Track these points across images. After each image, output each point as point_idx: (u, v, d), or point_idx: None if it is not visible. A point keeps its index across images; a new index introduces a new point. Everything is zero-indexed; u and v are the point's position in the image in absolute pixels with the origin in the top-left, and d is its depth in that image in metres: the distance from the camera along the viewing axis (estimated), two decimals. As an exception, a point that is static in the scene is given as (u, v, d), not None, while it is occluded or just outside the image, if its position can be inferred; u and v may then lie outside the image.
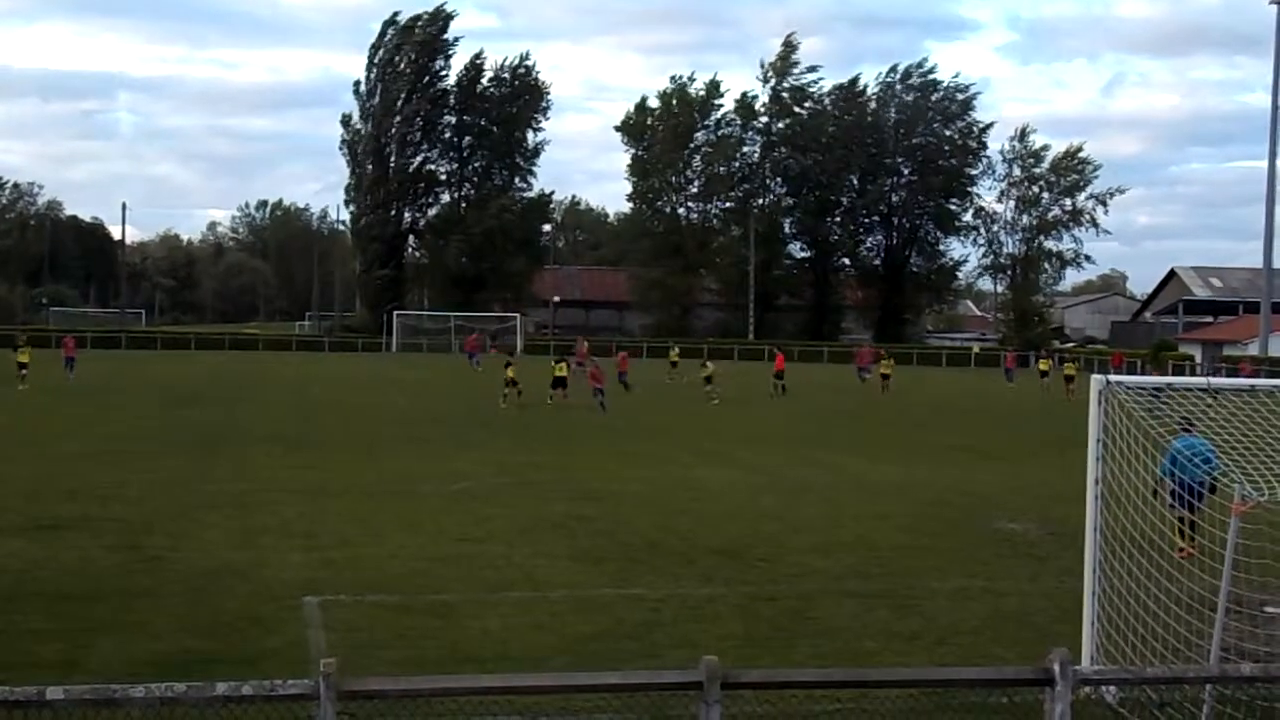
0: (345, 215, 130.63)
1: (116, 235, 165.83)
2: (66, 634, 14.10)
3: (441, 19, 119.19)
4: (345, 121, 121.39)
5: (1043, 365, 75.24)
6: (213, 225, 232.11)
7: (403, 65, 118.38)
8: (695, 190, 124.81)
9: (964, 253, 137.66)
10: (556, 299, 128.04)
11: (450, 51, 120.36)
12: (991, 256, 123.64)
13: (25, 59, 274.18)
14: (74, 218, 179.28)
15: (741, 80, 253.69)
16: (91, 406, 45.46)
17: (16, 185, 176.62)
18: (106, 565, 17.92)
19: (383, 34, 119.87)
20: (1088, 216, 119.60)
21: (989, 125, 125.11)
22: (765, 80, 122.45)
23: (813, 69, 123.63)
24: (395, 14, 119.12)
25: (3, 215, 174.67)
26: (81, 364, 63.75)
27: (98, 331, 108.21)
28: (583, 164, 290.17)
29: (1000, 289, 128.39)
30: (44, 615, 14.92)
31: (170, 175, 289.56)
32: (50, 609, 15.22)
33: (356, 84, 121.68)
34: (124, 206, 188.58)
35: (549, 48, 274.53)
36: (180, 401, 48.05)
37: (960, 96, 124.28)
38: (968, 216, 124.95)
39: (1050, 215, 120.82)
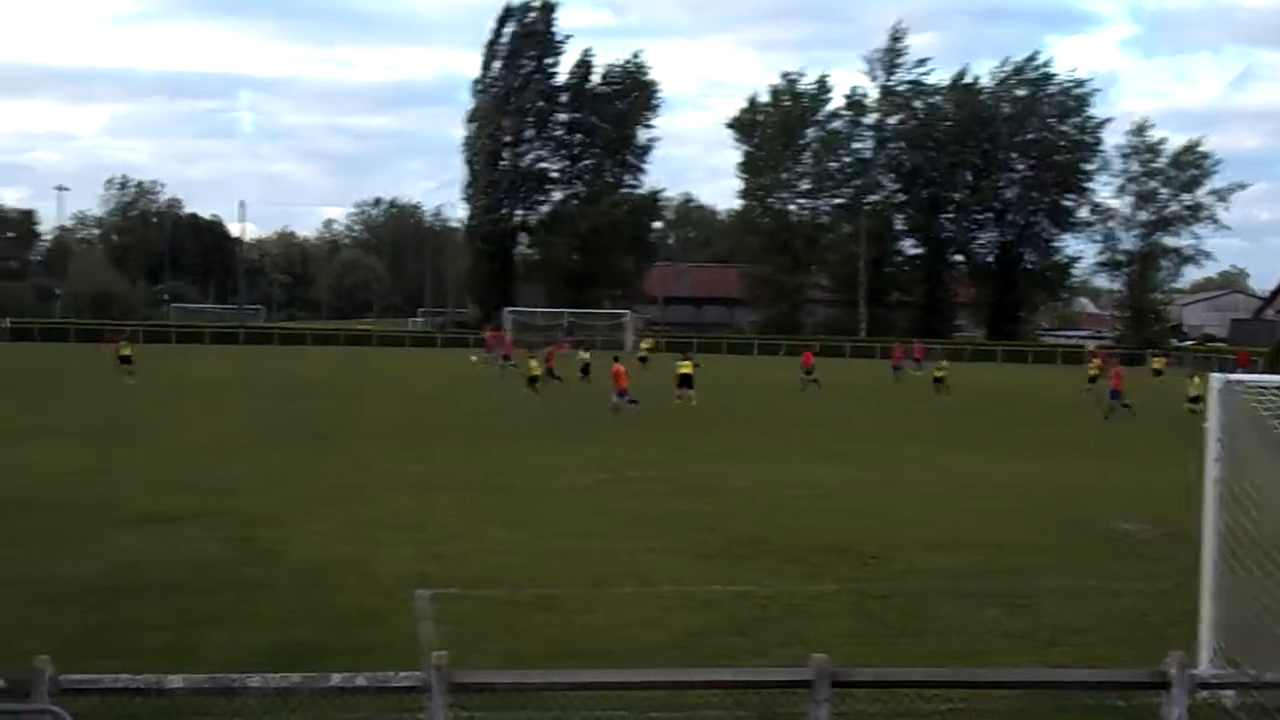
0: (460, 212, 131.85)
1: (234, 232, 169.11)
2: (180, 625, 14.33)
3: (547, 12, 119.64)
4: (470, 118, 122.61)
5: (1156, 364, 73.88)
6: (328, 222, 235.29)
7: (517, 60, 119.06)
8: (805, 187, 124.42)
9: (1079, 249, 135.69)
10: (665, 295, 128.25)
11: (560, 49, 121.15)
12: (1108, 253, 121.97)
13: (152, 61, 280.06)
14: (194, 215, 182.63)
15: (859, 76, 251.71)
16: (207, 401, 46.29)
17: (139, 184, 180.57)
18: (220, 557, 18.20)
19: (497, 32, 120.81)
20: (1207, 212, 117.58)
21: (1105, 120, 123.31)
22: (873, 76, 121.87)
23: (921, 63, 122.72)
24: (507, 9, 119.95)
25: (125, 213, 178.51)
26: (201, 358, 64.89)
27: (216, 327, 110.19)
28: (699, 160, 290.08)
29: (1117, 286, 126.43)
30: (159, 606, 15.16)
31: (288, 173, 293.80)
32: (165, 600, 15.47)
33: (475, 82, 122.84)
34: (241, 204, 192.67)
35: (664, 45, 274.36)
36: (293, 396, 48.76)
37: (1076, 91, 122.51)
38: (1084, 212, 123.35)
39: (1169, 211, 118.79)
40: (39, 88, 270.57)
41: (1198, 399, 46.06)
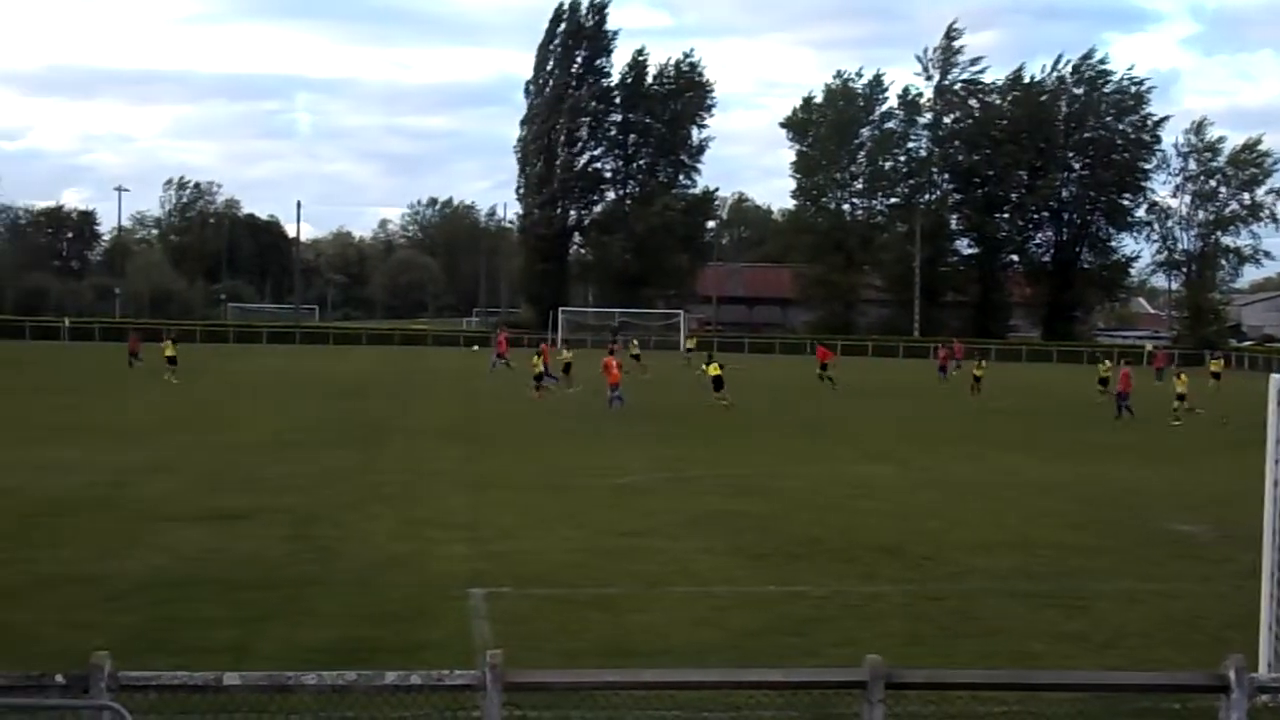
0: (513, 213, 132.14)
1: (291, 233, 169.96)
2: (239, 621, 14.47)
3: (599, 11, 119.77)
4: (524, 121, 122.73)
5: (1214, 366, 72.92)
6: (383, 223, 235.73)
7: (569, 60, 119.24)
8: (859, 186, 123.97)
9: (1136, 249, 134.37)
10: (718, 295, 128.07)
11: (611, 47, 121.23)
12: (1165, 253, 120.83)
13: (213, 63, 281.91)
14: (251, 215, 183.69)
15: (917, 76, 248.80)
16: (262, 400, 46.65)
17: (197, 185, 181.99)
18: (278, 554, 18.36)
19: (550, 32, 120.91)
20: (1267, 211, 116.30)
21: (1164, 118, 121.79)
22: (927, 75, 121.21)
23: (975, 61, 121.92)
24: (559, 9, 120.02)
25: (184, 214, 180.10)
26: (257, 357, 65.18)
27: (273, 327, 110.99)
28: (753, 160, 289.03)
29: (1174, 286, 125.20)
30: (218, 602, 15.32)
31: (344, 173, 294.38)
32: (224, 596, 15.63)
33: (529, 83, 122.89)
34: (298, 205, 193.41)
35: (721, 44, 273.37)
36: (348, 395, 49.04)
37: (1134, 89, 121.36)
38: (1141, 212, 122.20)
39: (1228, 210, 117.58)
40: (101, 89, 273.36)
41: (1183, 397, 45.95)
